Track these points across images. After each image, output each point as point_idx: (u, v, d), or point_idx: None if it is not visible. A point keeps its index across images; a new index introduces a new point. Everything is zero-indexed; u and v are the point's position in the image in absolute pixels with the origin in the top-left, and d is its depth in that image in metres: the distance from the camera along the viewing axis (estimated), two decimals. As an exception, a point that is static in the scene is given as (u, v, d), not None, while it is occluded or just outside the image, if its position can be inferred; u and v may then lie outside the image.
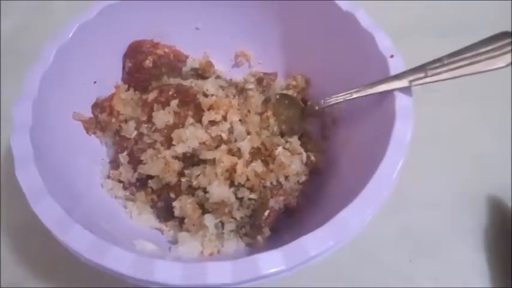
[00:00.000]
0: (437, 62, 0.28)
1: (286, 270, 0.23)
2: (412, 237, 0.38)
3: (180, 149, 0.34)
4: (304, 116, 0.39)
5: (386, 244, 0.38)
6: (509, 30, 0.26)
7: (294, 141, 0.37)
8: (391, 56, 0.31)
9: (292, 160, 0.35)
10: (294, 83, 0.42)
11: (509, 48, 0.25)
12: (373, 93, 0.31)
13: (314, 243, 0.24)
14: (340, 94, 0.34)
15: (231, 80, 0.43)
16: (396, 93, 0.30)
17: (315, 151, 0.38)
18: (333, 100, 0.35)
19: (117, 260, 0.24)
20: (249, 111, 0.38)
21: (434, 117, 0.43)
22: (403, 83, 0.29)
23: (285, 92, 0.42)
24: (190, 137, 0.34)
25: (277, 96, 0.40)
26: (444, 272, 0.37)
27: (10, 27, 0.55)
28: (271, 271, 0.23)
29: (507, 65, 0.26)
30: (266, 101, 0.40)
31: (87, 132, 0.38)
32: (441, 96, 0.42)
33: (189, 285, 0.23)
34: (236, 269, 0.23)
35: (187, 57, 0.43)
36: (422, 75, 0.29)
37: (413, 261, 0.37)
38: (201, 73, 0.43)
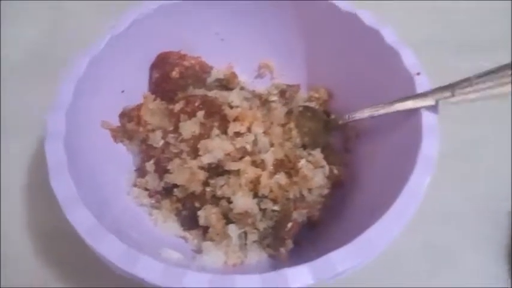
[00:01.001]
0: (466, 82, 0.28)
1: (314, 285, 0.24)
2: (433, 251, 0.38)
3: (206, 159, 0.35)
4: (328, 129, 0.39)
5: (407, 258, 0.38)
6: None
7: (317, 154, 0.37)
8: (418, 74, 0.32)
9: (315, 173, 0.36)
10: (316, 95, 0.43)
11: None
12: (398, 110, 0.31)
13: (342, 260, 0.24)
14: (366, 109, 0.34)
15: (254, 91, 0.44)
16: (423, 110, 0.30)
17: (337, 164, 0.38)
18: (358, 115, 0.35)
19: (148, 269, 0.25)
20: (272, 123, 0.39)
21: (453, 132, 0.43)
22: (429, 101, 0.30)
23: (307, 104, 0.42)
24: (216, 147, 0.35)
25: (300, 109, 0.41)
26: (465, 286, 0.37)
27: (37, 34, 0.57)
28: (299, 286, 0.23)
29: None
30: (289, 113, 0.41)
31: (115, 141, 0.39)
32: (460, 112, 0.42)
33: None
34: (265, 283, 0.24)
35: (211, 68, 0.44)
36: (449, 94, 0.29)
37: (434, 274, 0.37)
38: (225, 84, 0.43)
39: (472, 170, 0.42)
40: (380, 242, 0.25)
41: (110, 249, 0.25)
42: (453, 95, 0.29)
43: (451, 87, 0.29)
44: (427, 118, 0.29)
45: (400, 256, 0.38)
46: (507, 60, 0.27)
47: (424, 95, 0.30)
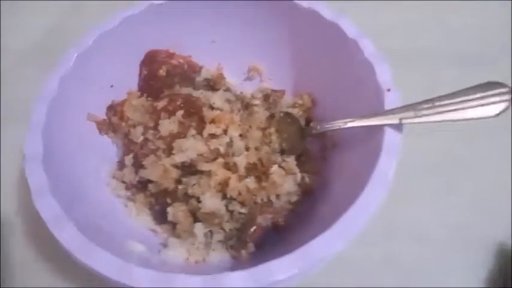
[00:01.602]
0: (428, 103, 0.28)
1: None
2: (398, 268, 0.38)
3: (178, 158, 0.36)
4: (304, 136, 0.40)
5: (369, 273, 0.38)
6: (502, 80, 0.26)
7: (291, 160, 0.38)
8: (388, 90, 0.32)
9: (285, 180, 0.37)
10: (300, 101, 0.43)
11: (500, 98, 0.25)
12: (365, 125, 0.32)
13: (280, 269, 0.25)
14: (336, 122, 0.34)
15: (241, 93, 0.45)
16: (386, 128, 0.30)
17: (311, 172, 0.39)
18: (328, 126, 0.35)
19: (101, 262, 0.26)
20: (251, 126, 0.40)
21: (429, 149, 0.43)
22: (393, 119, 0.30)
23: (290, 110, 0.43)
24: (190, 147, 0.36)
25: (281, 114, 0.42)
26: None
27: (43, 28, 0.59)
28: (236, 289, 0.24)
29: (496, 115, 0.25)
30: (271, 118, 0.42)
31: (100, 133, 0.40)
32: (437, 129, 0.41)
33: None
34: (204, 284, 0.25)
35: (201, 67, 0.45)
36: (412, 114, 0.29)
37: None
38: (212, 84, 0.44)
39: (448, 188, 0.42)
40: (319, 254, 0.25)
41: (70, 239, 0.27)
42: (416, 116, 0.29)
43: (414, 107, 0.29)
44: (389, 136, 0.30)
45: (362, 272, 0.38)
46: (506, 74, 0.27)
47: (388, 112, 0.30)
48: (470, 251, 0.38)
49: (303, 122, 0.42)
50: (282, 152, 0.40)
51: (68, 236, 0.27)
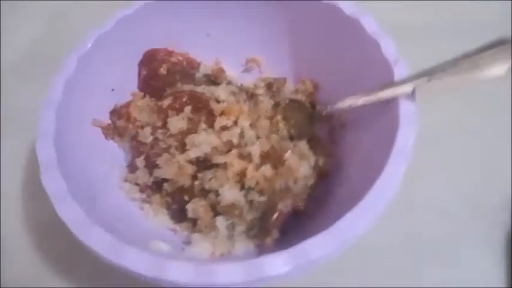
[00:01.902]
0: (440, 68, 0.29)
1: (289, 273, 0.25)
2: (418, 243, 0.39)
3: (193, 153, 0.36)
4: (313, 121, 0.40)
5: (391, 250, 0.38)
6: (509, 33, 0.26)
7: (302, 145, 0.38)
8: (396, 62, 0.32)
9: (301, 164, 0.37)
10: (302, 87, 0.43)
11: (509, 54, 0.26)
12: (378, 99, 0.32)
13: (315, 248, 0.25)
14: (346, 100, 0.35)
15: (241, 85, 0.45)
16: (400, 99, 0.30)
17: (323, 155, 0.39)
18: (338, 106, 0.36)
19: (134, 259, 0.26)
20: (259, 116, 0.40)
21: (438, 120, 0.43)
22: (406, 88, 0.30)
23: (294, 96, 0.43)
24: (203, 142, 0.36)
25: (287, 101, 0.42)
26: (451, 280, 0.37)
27: (31, 35, 0.58)
28: (276, 273, 0.24)
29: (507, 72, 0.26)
30: (276, 106, 0.42)
31: (106, 138, 0.40)
32: (446, 100, 0.42)
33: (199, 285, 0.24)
34: (243, 271, 0.24)
35: (199, 64, 0.45)
36: (425, 80, 0.29)
37: (418, 266, 0.38)
38: (213, 79, 0.44)
39: (459, 159, 0.42)
40: (352, 231, 0.25)
41: (97, 240, 0.27)
42: (429, 82, 0.29)
43: (426, 73, 0.29)
44: (404, 106, 0.30)
45: (383, 250, 0.38)
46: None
47: (400, 83, 0.30)
48: (487, 220, 0.39)
49: (307, 107, 0.42)
50: (291, 138, 0.40)
51: (96, 239, 0.26)
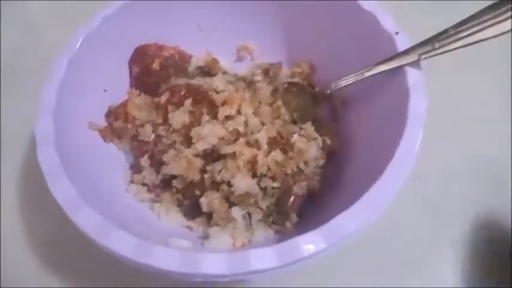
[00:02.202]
0: (444, 34, 0.29)
1: (326, 249, 0.24)
2: (434, 206, 0.39)
3: (200, 146, 0.35)
4: (315, 102, 0.40)
5: (408, 215, 0.39)
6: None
7: (308, 127, 0.38)
8: (396, 33, 0.32)
9: (309, 146, 0.36)
10: (299, 70, 0.43)
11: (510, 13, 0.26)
12: (384, 71, 0.32)
13: (349, 221, 0.25)
14: (351, 75, 0.35)
15: (236, 74, 0.44)
16: (406, 68, 0.30)
17: (329, 134, 0.39)
18: (343, 82, 0.36)
19: (164, 258, 0.25)
20: (260, 102, 0.39)
21: (437, 87, 0.44)
22: (412, 57, 0.30)
23: (291, 80, 0.43)
24: (209, 133, 0.35)
25: (285, 85, 0.41)
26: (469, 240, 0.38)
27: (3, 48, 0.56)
28: (312, 251, 0.24)
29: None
30: (275, 91, 0.41)
31: (105, 141, 0.38)
32: (442, 67, 0.43)
33: (235, 272, 0.24)
34: (279, 253, 0.24)
35: (191, 56, 0.44)
36: (430, 48, 0.30)
37: (436, 228, 0.38)
38: (207, 71, 0.43)
39: (462, 123, 0.43)
40: (384, 199, 0.25)
41: (122, 244, 0.25)
42: (434, 48, 0.29)
43: (431, 40, 0.30)
44: (412, 75, 0.30)
45: (401, 216, 0.39)
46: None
47: (406, 52, 0.30)
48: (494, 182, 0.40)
49: (306, 89, 0.42)
50: (294, 122, 0.40)
51: (121, 242, 0.25)
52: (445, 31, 0.29)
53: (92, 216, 0.27)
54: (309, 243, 0.24)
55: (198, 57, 0.44)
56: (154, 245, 0.25)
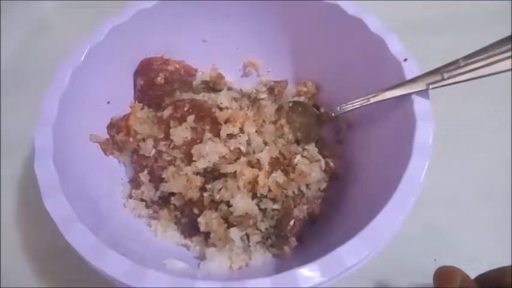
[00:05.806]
0: (454, 65, 0.28)
1: (325, 283, 0.24)
2: (436, 234, 0.38)
3: (201, 164, 0.34)
4: (320, 123, 0.39)
5: (409, 243, 0.38)
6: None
7: (311, 148, 0.37)
8: (405, 60, 0.32)
9: (312, 168, 0.36)
10: (304, 89, 0.43)
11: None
12: (390, 98, 0.31)
13: (350, 254, 0.24)
14: (357, 100, 0.34)
15: (241, 90, 0.44)
16: (414, 96, 0.30)
17: (332, 157, 0.38)
18: (349, 106, 0.35)
19: (155, 283, 0.24)
20: (263, 121, 0.39)
21: (446, 114, 0.43)
22: (420, 86, 0.30)
23: (296, 99, 0.42)
24: (210, 151, 0.34)
25: (290, 104, 0.41)
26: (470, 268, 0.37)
27: (10, 48, 0.55)
28: (310, 285, 0.23)
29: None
30: (279, 110, 0.41)
31: (105, 154, 0.38)
32: (451, 93, 0.42)
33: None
34: (275, 285, 0.23)
35: (196, 71, 0.44)
36: (439, 78, 0.29)
37: (438, 259, 0.37)
38: (212, 86, 0.43)
39: (468, 150, 0.43)
40: (386, 232, 0.25)
41: (114, 266, 0.25)
42: (443, 79, 0.29)
43: (440, 70, 0.29)
44: (420, 103, 0.30)
45: (402, 244, 0.38)
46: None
47: (414, 80, 0.30)
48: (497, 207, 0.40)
49: (311, 110, 0.41)
50: (298, 142, 0.39)
51: (113, 264, 0.25)
52: (455, 62, 0.28)
53: (85, 236, 0.26)
54: (307, 275, 0.24)
55: (203, 72, 0.44)
56: (146, 268, 0.24)
